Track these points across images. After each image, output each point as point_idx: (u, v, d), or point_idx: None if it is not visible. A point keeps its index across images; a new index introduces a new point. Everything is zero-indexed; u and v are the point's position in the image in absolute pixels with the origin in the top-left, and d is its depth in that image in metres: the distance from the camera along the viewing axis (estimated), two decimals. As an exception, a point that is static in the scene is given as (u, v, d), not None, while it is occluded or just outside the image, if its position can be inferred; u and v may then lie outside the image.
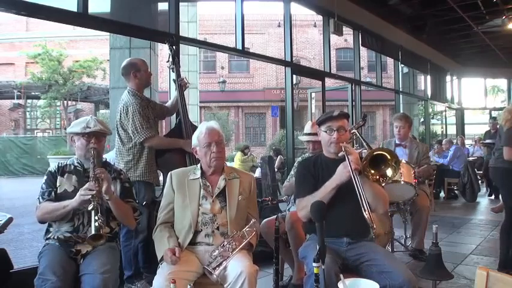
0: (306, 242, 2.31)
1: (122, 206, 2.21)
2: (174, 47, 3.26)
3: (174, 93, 3.25)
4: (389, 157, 2.12)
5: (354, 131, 3.44)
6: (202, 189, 2.14)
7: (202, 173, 2.19)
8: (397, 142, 4.07)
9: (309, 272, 1.89)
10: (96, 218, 1.97)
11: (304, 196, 2.18)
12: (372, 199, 2.07)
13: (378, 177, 2.12)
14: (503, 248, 3.33)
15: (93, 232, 1.94)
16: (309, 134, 3.19)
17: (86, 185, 2.06)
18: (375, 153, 2.13)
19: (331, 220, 1.79)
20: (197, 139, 2.20)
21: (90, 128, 2.20)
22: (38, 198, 2.18)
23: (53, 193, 2.17)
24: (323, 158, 2.32)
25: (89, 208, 2.01)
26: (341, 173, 2.08)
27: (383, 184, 2.19)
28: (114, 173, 2.31)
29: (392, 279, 1.87)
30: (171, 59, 3.22)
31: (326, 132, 2.24)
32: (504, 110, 3.33)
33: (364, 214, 1.95)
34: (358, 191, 1.99)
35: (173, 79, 3.22)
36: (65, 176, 2.22)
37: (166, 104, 3.34)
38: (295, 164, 3.30)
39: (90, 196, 2.01)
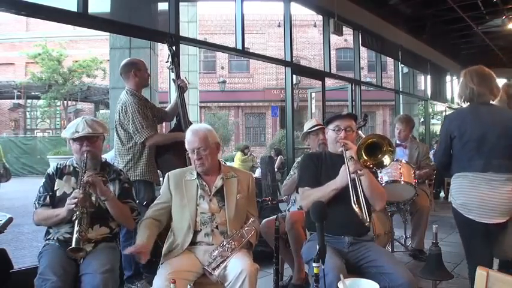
0: (307, 242, 2.31)
1: (120, 207, 2.20)
2: (173, 47, 3.26)
3: (174, 94, 3.25)
4: (382, 141, 2.14)
5: (360, 132, 3.44)
6: (199, 189, 2.14)
7: (199, 174, 2.19)
8: (397, 142, 4.08)
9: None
10: (77, 228, 1.92)
11: (305, 184, 2.24)
12: (370, 195, 2.10)
13: (372, 165, 2.14)
14: None
15: (73, 245, 1.90)
16: (316, 126, 3.14)
17: (73, 194, 2.03)
18: (368, 141, 2.14)
19: (333, 217, 1.79)
20: (187, 143, 2.21)
21: (78, 132, 2.17)
22: (35, 203, 2.18)
23: (48, 198, 2.16)
24: (328, 153, 2.39)
25: (73, 218, 1.98)
26: (342, 177, 2.12)
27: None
28: (113, 173, 2.31)
29: (392, 280, 1.88)
30: (170, 59, 3.22)
31: (334, 130, 2.30)
32: None
33: (355, 208, 1.98)
34: (356, 189, 2.03)
35: (172, 79, 3.21)
36: (63, 178, 2.21)
37: (166, 109, 3.33)
38: (295, 164, 3.29)
39: (74, 206, 1.98)
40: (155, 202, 2.22)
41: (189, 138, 2.17)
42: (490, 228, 2.30)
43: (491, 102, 2.43)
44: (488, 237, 2.33)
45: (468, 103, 2.45)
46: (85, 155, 2.15)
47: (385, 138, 2.16)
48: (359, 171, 2.08)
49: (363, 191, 2.07)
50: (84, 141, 2.18)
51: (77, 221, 1.95)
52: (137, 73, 2.99)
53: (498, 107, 2.48)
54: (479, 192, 2.29)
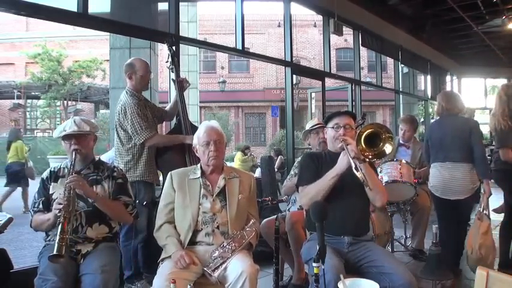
0: (306, 242, 2.31)
1: (110, 205, 2.19)
2: (173, 47, 3.25)
3: (174, 95, 3.24)
4: (380, 130, 2.13)
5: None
6: (202, 189, 2.14)
7: (202, 173, 2.20)
8: (400, 142, 4.09)
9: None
10: (59, 236, 1.87)
11: (305, 183, 2.22)
12: (370, 190, 2.08)
13: (372, 156, 2.13)
14: (503, 248, 3.33)
15: (54, 252, 1.84)
16: (317, 124, 3.16)
17: (57, 199, 2.02)
18: (366, 131, 2.13)
19: (332, 217, 1.79)
20: (197, 138, 2.22)
21: (65, 130, 2.19)
22: (30, 211, 2.21)
23: (41, 204, 2.18)
24: (328, 152, 2.38)
25: (56, 224, 1.97)
26: (341, 161, 2.11)
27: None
28: (107, 171, 2.30)
29: (393, 280, 1.88)
30: (170, 59, 3.21)
31: (333, 128, 2.29)
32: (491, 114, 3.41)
33: (356, 173, 1.96)
34: (359, 173, 1.99)
35: (172, 79, 3.21)
36: (58, 181, 2.21)
37: (165, 108, 3.33)
38: (295, 164, 3.29)
39: (58, 210, 1.96)
40: (162, 205, 2.18)
41: (206, 130, 2.18)
42: (452, 202, 3.15)
43: (459, 114, 3.30)
44: (451, 209, 3.18)
45: (439, 116, 3.40)
46: (73, 153, 2.16)
47: (382, 126, 2.16)
48: (361, 158, 2.07)
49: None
50: (72, 140, 2.19)
51: (59, 227, 1.91)
52: (132, 76, 2.96)
53: (459, 117, 3.28)
54: (443, 177, 3.19)
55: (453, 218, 3.21)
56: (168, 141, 3.03)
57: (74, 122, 2.23)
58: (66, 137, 2.19)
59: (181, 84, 3.15)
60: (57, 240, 1.87)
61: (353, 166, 2.00)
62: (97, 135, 2.36)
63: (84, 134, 2.22)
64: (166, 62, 3.23)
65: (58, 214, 1.96)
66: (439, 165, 3.23)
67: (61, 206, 1.95)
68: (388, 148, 2.12)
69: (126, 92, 2.98)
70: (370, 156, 2.13)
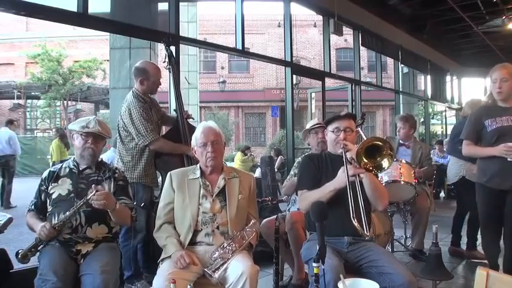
0: (306, 242, 2.31)
1: (121, 213, 2.19)
2: (170, 47, 3.23)
3: (174, 102, 3.22)
4: (383, 145, 2.10)
5: (360, 131, 3.43)
6: (202, 189, 2.14)
7: (202, 173, 2.19)
8: (400, 142, 4.09)
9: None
10: (31, 248, 2.08)
11: (305, 186, 2.23)
12: (371, 195, 2.09)
13: (372, 167, 2.12)
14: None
15: (19, 256, 2.09)
16: (316, 124, 3.14)
17: (46, 229, 2.03)
18: (368, 144, 2.11)
19: (332, 218, 1.79)
20: (195, 139, 2.21)
21: (88, 128, 2.21)
22: (28, 207, 2.24)
23: (33, 205, 2.21)
24: (327, 154, 2.38)
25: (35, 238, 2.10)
26: (340, 178, 2.11)
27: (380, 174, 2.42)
28: (108, 172, 2.30)
29: (393, 280, 1.88)
30: (167, 60, 3.20)
31: (333, 131, 2.29)
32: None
33: (354, 222, 1.96)
34: (354, 195, 2.01)
35: (174, 109, 3.18)
36: (59, 181, 2.22)
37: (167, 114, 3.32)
38: (295, 164, 3.29)
39: (42, 233, 2.04)
40: (162, 205, 2.18)
41: (203, 131, 2.17)
42: None
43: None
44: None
45: (462, 118, 3.99)
46: (88, 153, 2.19)
47: (386, 141, 2.13)
48: (361, 175, 2.06)
49: (362, 195, 2.05)
50: (90, 138, 2.21)
51: (34, 243, 2.08)
52: (144, 82, 2.95)
53: None
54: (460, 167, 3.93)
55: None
56: (171, 149, 2.99)
57: (98, 122, 2.25)
58: (85, 134, 2.21)
59: (186, 119, 3.11)
60: (28, 247, 2.08)
61: (348, 190, 2.02)
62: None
63: (103, 136, 2.26)
64: (164, 62, 3.22)
65: (38, 239, 2.07)
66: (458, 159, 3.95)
67: (47, 232, 2.03)
68: (385, 163, 2.10)
69: (133, 92, 2.96)
70: (371, 168, 2.12)
